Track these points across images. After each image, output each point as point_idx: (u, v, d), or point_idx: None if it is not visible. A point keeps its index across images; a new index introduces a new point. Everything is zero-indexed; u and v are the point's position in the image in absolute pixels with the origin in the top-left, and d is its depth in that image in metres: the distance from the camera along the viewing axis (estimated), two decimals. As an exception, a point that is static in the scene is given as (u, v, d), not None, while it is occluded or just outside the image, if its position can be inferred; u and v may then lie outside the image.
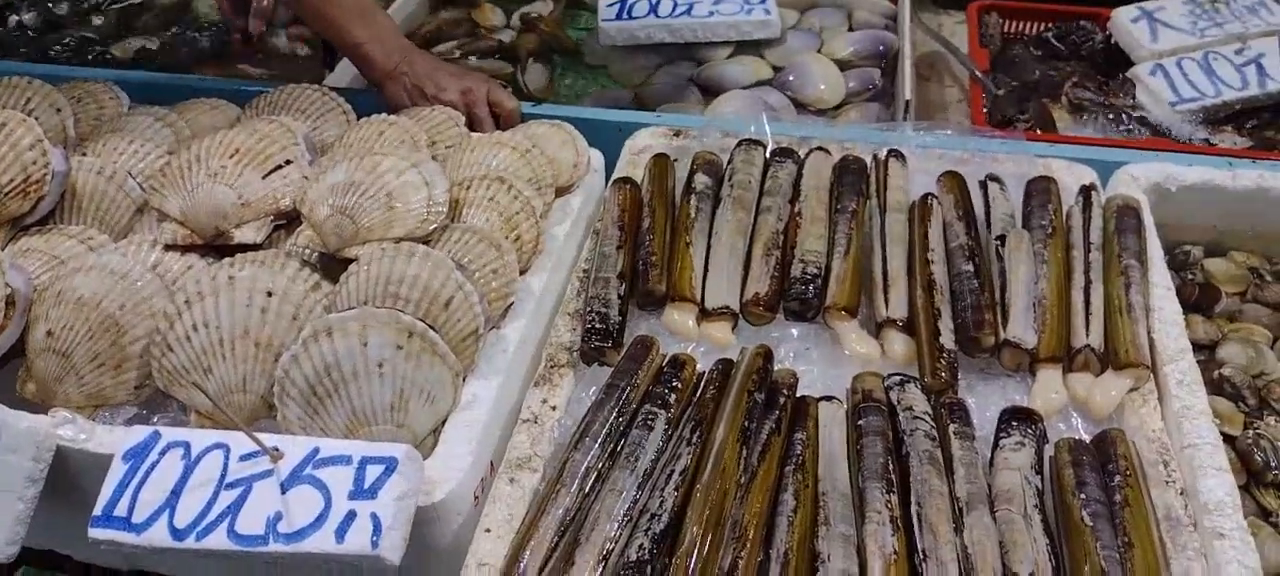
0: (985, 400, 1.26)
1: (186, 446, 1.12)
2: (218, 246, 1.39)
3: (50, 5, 2.48)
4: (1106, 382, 1.25)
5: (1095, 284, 1.34)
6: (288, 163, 1.46)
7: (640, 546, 1.03)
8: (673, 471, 1.11)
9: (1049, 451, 1.17)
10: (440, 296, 1.25)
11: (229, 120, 1.69)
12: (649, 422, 1.17)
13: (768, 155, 1.58)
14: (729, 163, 1.56)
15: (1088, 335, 1.28)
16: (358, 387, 1.17)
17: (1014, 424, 1.19)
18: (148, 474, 1.11)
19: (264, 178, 1.43)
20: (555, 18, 2.41)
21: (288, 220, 1.44)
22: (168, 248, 1.38)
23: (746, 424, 1.15)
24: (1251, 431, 1.31)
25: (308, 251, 1.37)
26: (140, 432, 1.14)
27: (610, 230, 1.46)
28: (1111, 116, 1.94)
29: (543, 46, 2.32)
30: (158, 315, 1.27)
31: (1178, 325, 1.31)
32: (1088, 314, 1.30)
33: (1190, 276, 1.54)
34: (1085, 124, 1.95)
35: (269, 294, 1.25)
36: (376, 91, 1.76)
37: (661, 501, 1.07)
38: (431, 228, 1.36)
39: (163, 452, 1.12)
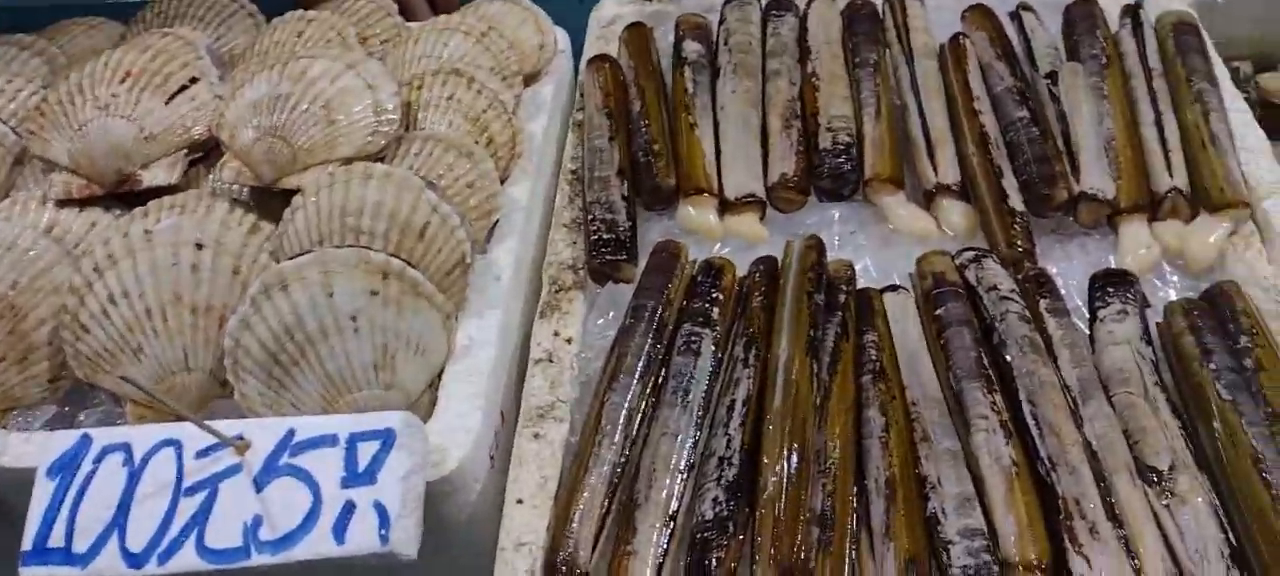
0: (1065, 267, 1.09)
1: (127, 448, 0.91)
2: (124, 194, 1.13)
3: None
4: (1202, 228, 1.09)
5: (1167, 116, 1.17)
6: (193, 81, 1.20)
7: (714, 499, 0.85)
8: (733, 402, 0.92)
9: (1153, 316, 1.01)
10: (413, 224, 1.02)
11: (112, 39, 1.41)
12: (693, 346, 0.97)
13: (763, 9, 1.36)
14: (721, 24, 1.34)
15: (1171, 176, 1.12)
16: (329, 348, 0.95)
17: (1109, 289, 1.03)
18: (83, 489, 0.90)
19: (168, 103, 1.17)
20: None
21: (204, 152, 1.19)
22: (61, 203, 1.12)
23: (811, 333, 0.96)
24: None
25: (236, 188, 1.13)
26: (66, 439, 0.92)
27: (596, 119, 1.24)
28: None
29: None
30: (63, 289, 1.02)
31: (1267, 153, 1.15)
32: (1166, 151, 1.14)
33: (1247, 95, 1.37)
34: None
35: (199, 246, 1.01)
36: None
37: (728, 440, 0.89)
38: (384, 141, 1.13)
39: (98, 460, 0.91)
